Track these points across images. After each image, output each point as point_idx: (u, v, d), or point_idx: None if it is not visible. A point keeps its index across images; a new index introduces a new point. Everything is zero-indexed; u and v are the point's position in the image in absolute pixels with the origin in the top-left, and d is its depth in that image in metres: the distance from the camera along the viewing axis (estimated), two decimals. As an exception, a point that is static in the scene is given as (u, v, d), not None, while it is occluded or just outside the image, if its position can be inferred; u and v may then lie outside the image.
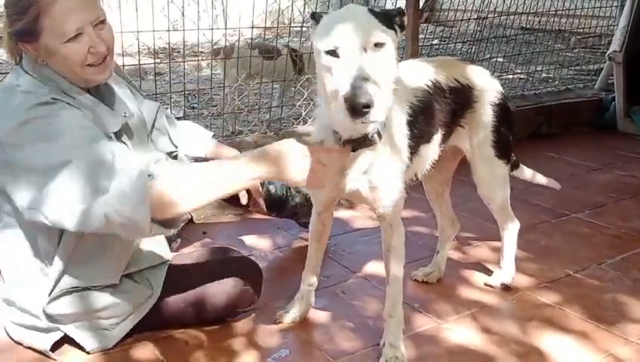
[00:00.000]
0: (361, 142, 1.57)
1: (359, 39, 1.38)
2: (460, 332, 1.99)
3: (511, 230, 2.23)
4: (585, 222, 2.89)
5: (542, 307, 2.14)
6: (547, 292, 2.23)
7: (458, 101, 1.95)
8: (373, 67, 1.37)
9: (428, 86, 1.85)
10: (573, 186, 3.34)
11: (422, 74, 1.88)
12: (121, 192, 1.48)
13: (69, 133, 1.56)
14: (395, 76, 1.49)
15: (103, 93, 1.82)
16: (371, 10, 1.47)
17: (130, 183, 1.49)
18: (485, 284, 2.28)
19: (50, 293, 1.75)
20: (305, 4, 4.31)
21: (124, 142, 1.78)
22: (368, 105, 1.31)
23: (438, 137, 1.92)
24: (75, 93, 1.70)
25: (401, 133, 1.69)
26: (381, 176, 1.67)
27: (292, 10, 3.74)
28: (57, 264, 1.73)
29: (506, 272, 2.26)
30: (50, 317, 1.78)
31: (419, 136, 1.79)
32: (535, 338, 1.95)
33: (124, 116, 1.80)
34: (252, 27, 3.50)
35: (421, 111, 1.78)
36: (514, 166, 2.24)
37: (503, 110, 2.05)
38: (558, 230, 2.80)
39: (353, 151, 1.59)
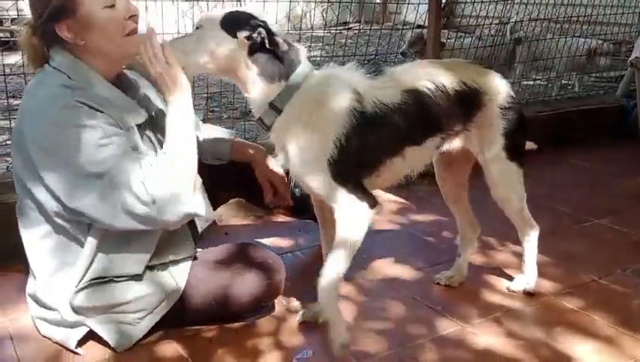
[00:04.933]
0: (260, 123, 1.78)
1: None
2: (485, 335, 1.98)
3: (531, 235, 2.21)
4: (607, 228, 2.87)
5: (566, 312, 2.13)
6: (571, 298, 2.21)
7: (464, 104, 1.93)
8: (185, 38, 1.76)
9: (427, 88, 1.84)
10: (596, 192, 3.32)
11: (422, 76, 1.87)
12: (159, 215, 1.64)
13: (101, 146, 1.62)
14: (203, 52, 1.69)
15: (125, 86, 1.86)
16: (227, 16, 1.69)
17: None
18: (508, 289, 2.27)
19: (78, 284, 1.78)
20: (324, 10, 4.34)
21: (147, 135, 1.82)
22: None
23: (433, 140, 1.92)
24: (101, 85, 1.74)
25: (325, 125, 1.72)
26: (295, 158, 1.75)
27: (313, 15, 3.77)
28: (87, 252, 1.76)
29: (528, 278, 2.24)
30: (75, 310, 1.80)
31: (393, 137, 1.80)
32: (561, 343, 1.94)
33: (151, 111, 1.85)
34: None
35: (400, 112, 1.79)
36: None
37: (514, 113, 2.03)
38: (581, 236, 2.79)
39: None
